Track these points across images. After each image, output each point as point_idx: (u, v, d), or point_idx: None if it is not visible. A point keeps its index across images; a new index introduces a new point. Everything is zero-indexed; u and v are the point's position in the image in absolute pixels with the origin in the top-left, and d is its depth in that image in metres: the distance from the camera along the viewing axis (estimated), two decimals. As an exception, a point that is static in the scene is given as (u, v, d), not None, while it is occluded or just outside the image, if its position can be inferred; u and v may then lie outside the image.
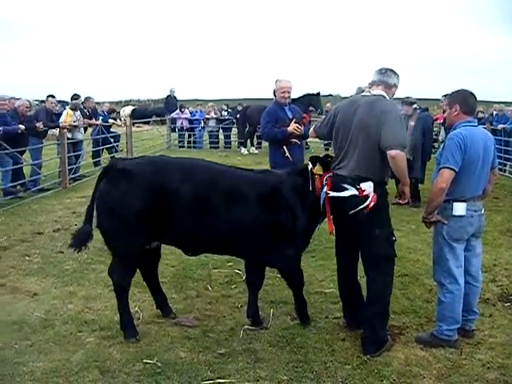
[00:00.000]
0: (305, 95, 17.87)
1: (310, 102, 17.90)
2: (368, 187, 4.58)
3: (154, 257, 5.42)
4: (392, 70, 4.91)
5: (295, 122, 7.05)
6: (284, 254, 5.00)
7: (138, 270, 5.34)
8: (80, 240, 5.05)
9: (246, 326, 5.22)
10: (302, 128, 7.15)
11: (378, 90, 4.82)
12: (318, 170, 5.02)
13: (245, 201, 4.87)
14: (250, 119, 19.96)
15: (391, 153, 4.46)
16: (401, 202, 4.91)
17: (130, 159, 5.16)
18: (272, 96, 7.77)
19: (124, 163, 4.99)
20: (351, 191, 4.61)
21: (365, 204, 4.55)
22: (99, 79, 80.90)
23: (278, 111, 7.28)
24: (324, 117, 5.39)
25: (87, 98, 15.72)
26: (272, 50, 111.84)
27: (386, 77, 4.86)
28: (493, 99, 28.86)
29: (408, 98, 11.15)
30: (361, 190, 4.58)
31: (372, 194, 4.57)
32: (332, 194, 4.75)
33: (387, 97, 4.82)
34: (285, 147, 7.14)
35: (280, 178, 5.13)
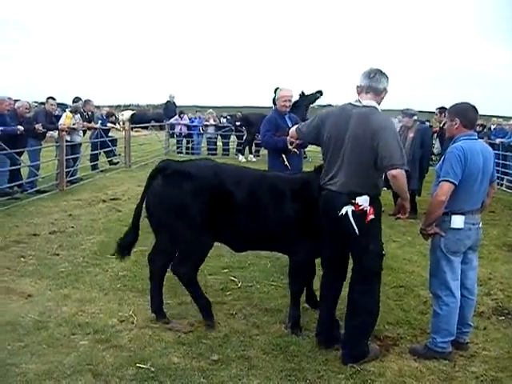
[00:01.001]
0: (297, 100, 17.71)
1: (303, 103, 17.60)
2: (364, 201, 4.52)
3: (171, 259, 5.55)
4: (381, 73, 4.70)
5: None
6: (305, 246, 5.30)
7: (147, 269, 5.53)
8: (126, 246, 5.54)
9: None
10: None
11: (368, 100, 4.64)
12: None
13: (286, 198, 5.27)
14: (249, 127, 19.96)
15: (392, 172, 4.39)
16: (401, 217, 4.83)
17: (182, 162, 5.53)
18: (270, 104, 7.77)
19: (181, 165, 5.34)
20: (348, 208, 4.54)
21: (365, 219, 4.53)
22: (99, 83, 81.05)
23: (278, 119, 7.27)
24: (308, 120, 5.19)
25: (87, 101, 15.75)
26: (272, 58, 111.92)
27: (375, 82, 4.65)
28: (499, 113, 28.92)
29: (408, 109, 11.15)
30: (357, 205, 4.52)
31: (368, 208, 4.54)
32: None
33: (378, 107, 4.68)
34: (284, 156, 7.14)
35: (312, 176, 5.41)
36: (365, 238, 4.58)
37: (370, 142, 4.45)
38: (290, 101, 7.41)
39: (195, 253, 5.28)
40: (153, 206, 5.26)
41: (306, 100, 17.57)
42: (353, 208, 4.53)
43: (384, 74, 4.72)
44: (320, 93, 18.04)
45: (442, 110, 14.47)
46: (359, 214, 4.53)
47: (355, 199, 4.52)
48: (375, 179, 4.64)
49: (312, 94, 17.92)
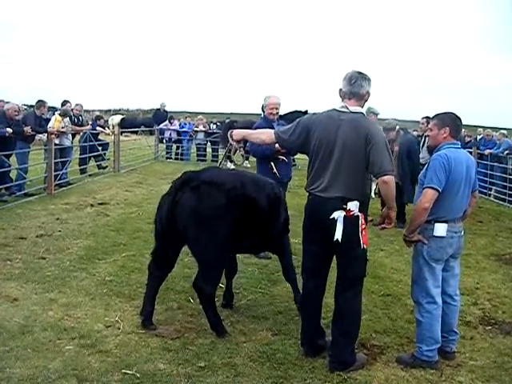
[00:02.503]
0: (293, 112, 17.80)
1: (298, 118, 17.66)
2: (354, 207, 4.53)
3: (172, 265, 5.58)
4: (362, 77, 4.66)
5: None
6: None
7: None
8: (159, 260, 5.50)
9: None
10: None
11: (354, 107, 4.63)
12: None
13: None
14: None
15: (384, 178, 4.40)
16: (387, 226, 4.80)
17: (201, 171, 5.37)
18: (260, 111, 7.80)
19: (207, 176, 5.16)
20: (340, 213, 4.52)
21: (360, 226, 4.54)
22: (89, 87, 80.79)
23: (266, 127, 7.25)
24: (292, 126, 4.91)
25: (67, 103, 15.49)
26: (262, 65, 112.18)
27: (357, 88, 4.63)
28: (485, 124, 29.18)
29: (388, 123, 11.01)
30: (348, 211, 4.52)
31: (360, 214, 4.55)
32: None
33: (363, 111, 4.70)
34: (272, 163, 7.15)
35: None
36: (354, 245, 4.57)
37: (362, 149, 4.47)
38: (277, 108, 7.43)
39: (220, 268, 5.24)
40: (182, 221, 5.06)
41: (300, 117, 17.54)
42: (344, 213, 4.52)
43: (365, 77, 4.69)
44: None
45: (428, 119, 14.38)
46: (350, 220, 4.52)
47: (347, 204, 4.52)
48: (364, 185, 4.67)
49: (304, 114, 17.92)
